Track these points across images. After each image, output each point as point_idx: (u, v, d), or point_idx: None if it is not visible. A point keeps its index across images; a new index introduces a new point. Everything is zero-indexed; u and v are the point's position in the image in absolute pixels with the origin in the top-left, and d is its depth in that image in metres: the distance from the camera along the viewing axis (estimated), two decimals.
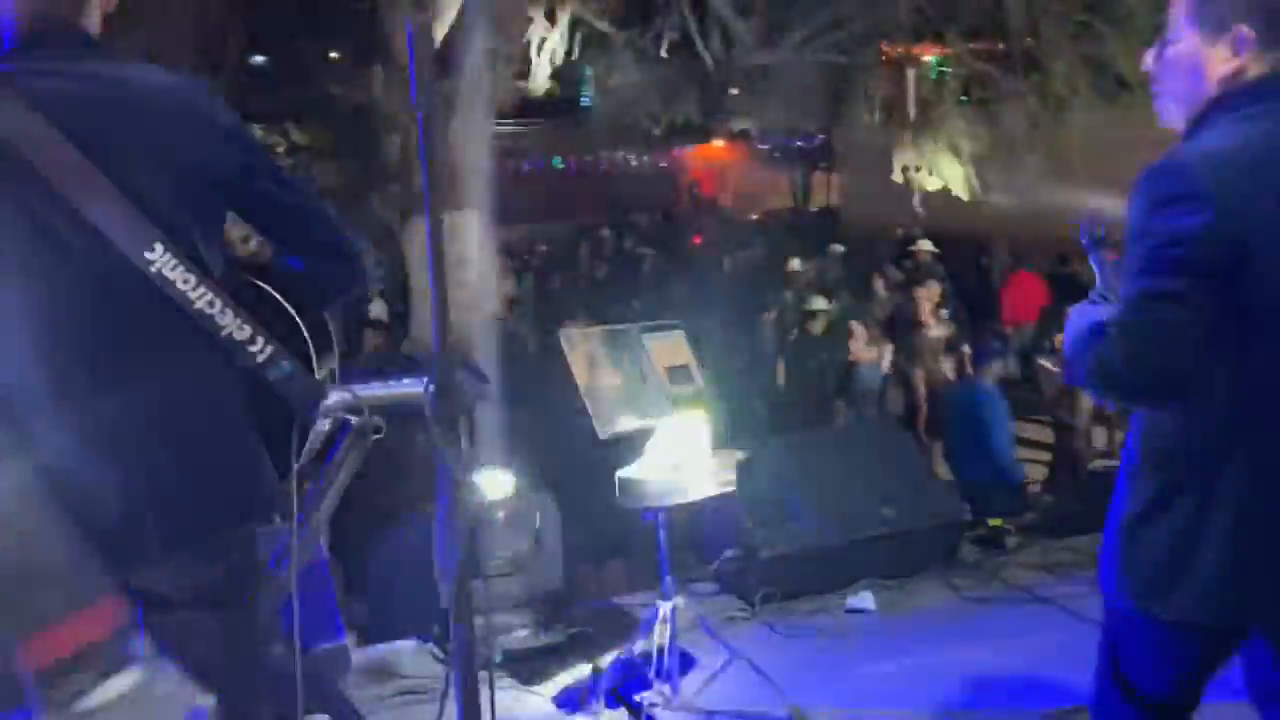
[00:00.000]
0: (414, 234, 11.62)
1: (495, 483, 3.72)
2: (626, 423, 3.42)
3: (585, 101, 31.47)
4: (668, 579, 3.34)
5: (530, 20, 11.10)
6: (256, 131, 24.28)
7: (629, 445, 3.41)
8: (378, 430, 2.19)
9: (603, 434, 3.42)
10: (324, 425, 2.10)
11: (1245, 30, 1.80)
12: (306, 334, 1.98)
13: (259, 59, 24.57)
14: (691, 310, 10.18)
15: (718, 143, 31.29)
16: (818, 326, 8.58)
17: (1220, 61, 1.83)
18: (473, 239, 11.76)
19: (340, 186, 21.12)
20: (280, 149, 24.68)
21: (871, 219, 20.45)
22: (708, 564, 4.32)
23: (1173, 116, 1.96)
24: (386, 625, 4.18)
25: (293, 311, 1.96)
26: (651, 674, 3.37)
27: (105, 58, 1.88)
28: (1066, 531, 4.14)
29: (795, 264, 13.98)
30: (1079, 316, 1.95)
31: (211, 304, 1.80)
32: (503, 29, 10.90)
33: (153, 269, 1.75)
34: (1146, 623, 1.89)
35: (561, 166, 30.91)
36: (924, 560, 3.87)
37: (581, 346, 3.54)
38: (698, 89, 26.22)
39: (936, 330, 8.33)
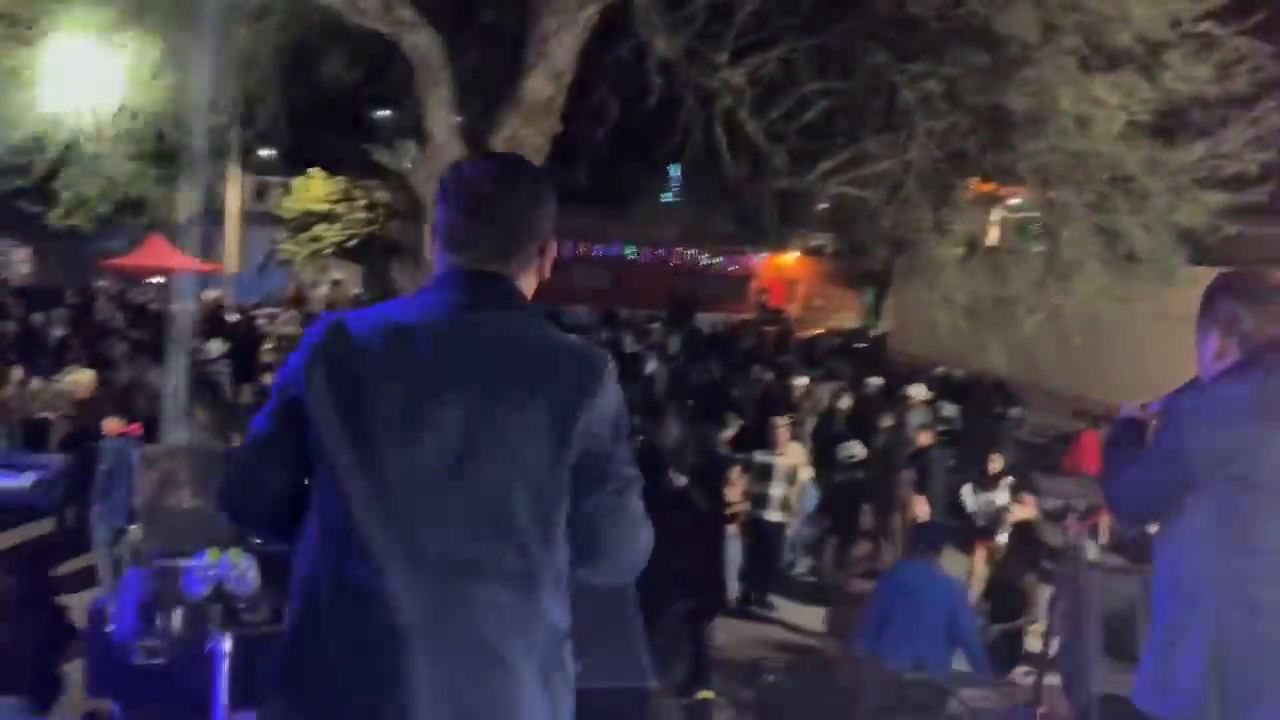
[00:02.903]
0: None
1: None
2: (191, 544, 3.42)
3: (668, 198, 32.19)
4: (220, 713, 3.21)
5: (561, 115, 11.42)
6: (341, 183, 25.31)
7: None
8: None
9: (149, 553, 3.47)
10: None
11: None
12: None
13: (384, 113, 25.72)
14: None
15: (792, 254, 31.51)
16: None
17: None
18: None
19: (407, 247, 21.94)
20: (361, 203, 25.77)
21: (919, 349, 20.32)
22: None
23: None
24: None
25: None
26: None
27: None
28: (786, 715, 4.04)
29: (801, 382, 14.04)
30: None
31: None
32: (531, 122, 11.25)
33: None
34: None
35: (633, 255, 31.39)
36: None
37: (161, 464, 3.61)
38: (777, 201, 26.64)
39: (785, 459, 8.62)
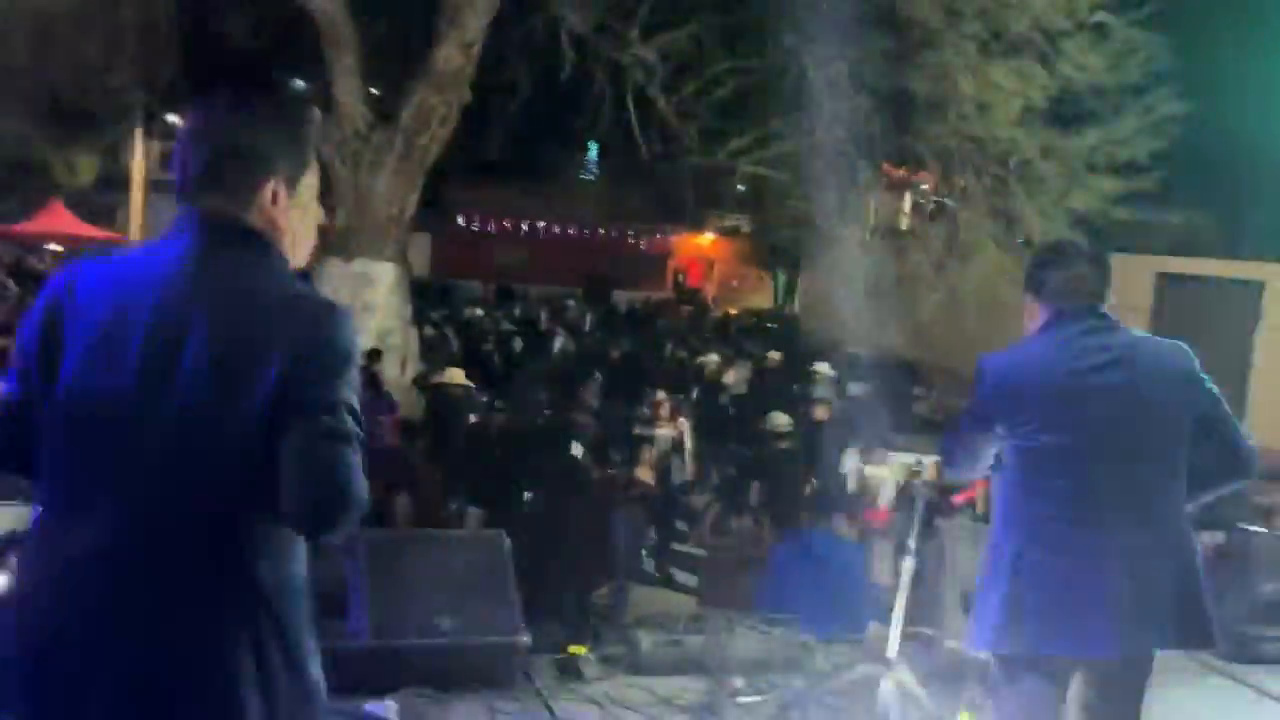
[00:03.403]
0: (324, 278, 11.81)
1: None
2: None
3: (587, 175, 32.23)
4: None
5: (471, 86, 11.33)
6: None
7: None
8: None
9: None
10: None
11: None
12: None
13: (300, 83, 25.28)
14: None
15: (709, 234, 31.80)
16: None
17: None
18: (382, 288, 11.98)
19: None
20: None
21: (828, 329, 20.63)
22: None
23: None
24: None
25: None
26: None
27: None
28: (654, 670, 4.12)
29: (712, 359, 14.17)
30: None
31: None
32: (441, 92, 11.17)
33: None
34: None
35: (553, 232, 31.40)
36: (476, 677, 3.87)
37: None
38: (692, 180, 26.88)
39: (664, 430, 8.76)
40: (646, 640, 4.12)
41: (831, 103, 10.76)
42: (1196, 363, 2.80)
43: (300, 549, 1.95)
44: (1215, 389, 2.79)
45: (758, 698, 4.02)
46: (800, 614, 5.48)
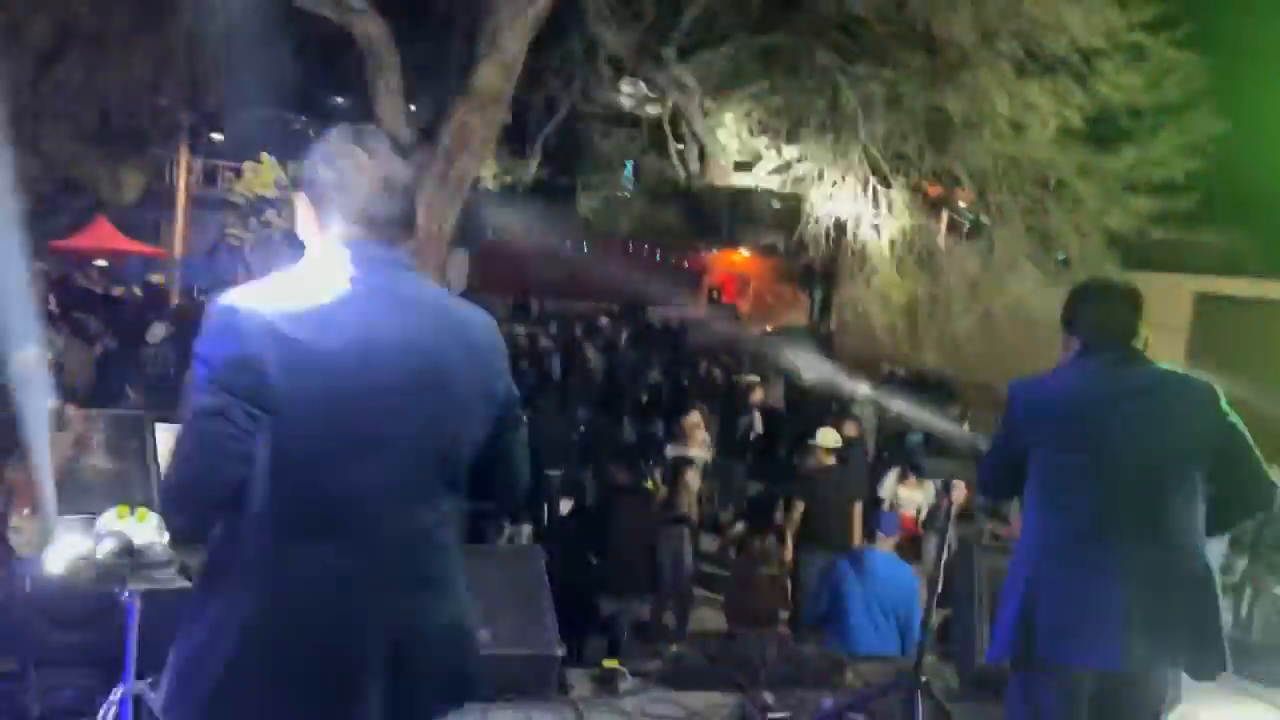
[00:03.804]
0: None
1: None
2: (104, 506, 3.41)
3: (623, 193, 32.32)
4: (130, 669, 3.21)
5: (509, 107, 11.47)
6: (293, 169, 25.15)
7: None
8: None
9: (63, 512, 3.54)
10: None
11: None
12: None
13: (339, 100, 25.55)
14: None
15: (744, 251, 31.82)
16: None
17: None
18: None
19: None
20: None
21: (863, 347, 20.56)
22: None
23: None
24: None
25: None
26: None
27: None
28: (687, 685, 4.18)
29: (751, 379, 14.15)
30: None
31: None
32: (481, 112, 11.32)
33: None
34: None
35: (589, 249, 31.48)
36: (512, 689, 3.94)
37: (76, 427, 3.68)
38: (728, 198, 26.98)
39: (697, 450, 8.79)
40: (679, 655, 4.19)
41: (867, 122, 10.81)
42: (1221, 398, 2.88)
43: None
44: (1239, 424, 2.87)
45: (787, 714, 4.08)
46: (850, 632, 5.45)
